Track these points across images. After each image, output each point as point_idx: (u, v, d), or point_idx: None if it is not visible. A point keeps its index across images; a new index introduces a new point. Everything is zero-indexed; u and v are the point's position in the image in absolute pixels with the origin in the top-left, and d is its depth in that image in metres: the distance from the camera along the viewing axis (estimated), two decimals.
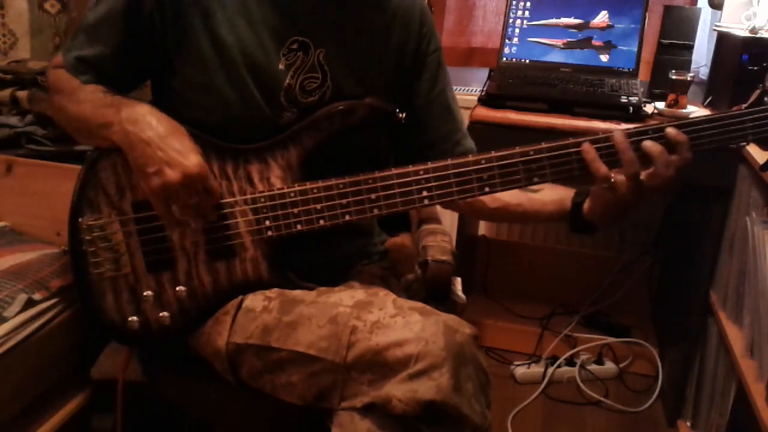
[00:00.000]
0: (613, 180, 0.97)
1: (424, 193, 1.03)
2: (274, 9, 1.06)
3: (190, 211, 1.01)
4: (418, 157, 1.08)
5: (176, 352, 1.12)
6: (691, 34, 1.92)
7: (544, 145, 1.00)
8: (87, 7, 1.09)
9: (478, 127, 1.76)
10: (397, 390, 0.91)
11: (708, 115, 0.97)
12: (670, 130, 0.96)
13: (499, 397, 2.00)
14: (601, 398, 2.09)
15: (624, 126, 1.00)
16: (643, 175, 0.98)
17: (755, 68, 1.68)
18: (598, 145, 0.98)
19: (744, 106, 0.97)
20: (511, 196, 1.14)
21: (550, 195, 1.12)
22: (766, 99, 0.96)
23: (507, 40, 2.00)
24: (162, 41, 1.05)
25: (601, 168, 0.97)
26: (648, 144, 0.96)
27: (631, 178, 0.97)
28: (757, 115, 0.96)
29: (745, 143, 1.59)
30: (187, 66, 1.06)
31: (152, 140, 0.98)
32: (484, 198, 1.16)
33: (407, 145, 1.20)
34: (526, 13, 1.99)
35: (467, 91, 2.37)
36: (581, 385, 2.13)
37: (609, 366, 2.20)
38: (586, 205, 1.07)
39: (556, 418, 2.01)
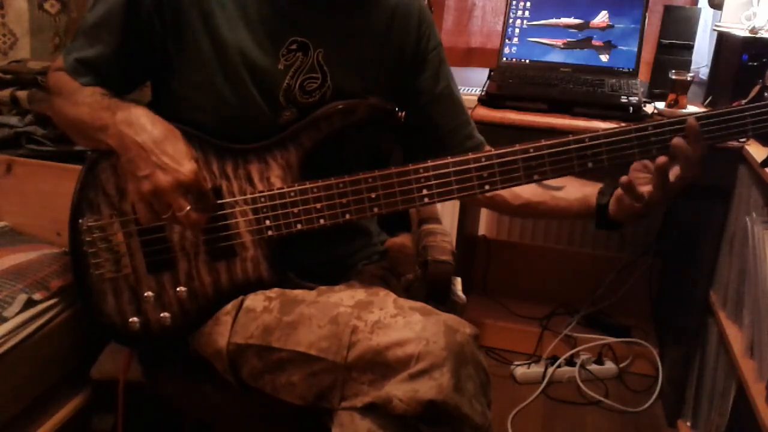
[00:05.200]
0: (646, 199, 0.98)
1: (424, 192, 1.02)
2: (273, 9, 1.06)
3: (176, 221, 0.98)
4: (431, 154, 1.07)
5: (177, 352, 1.12)
6: (691, 34, 1.92)
7: (544, 142, 1.00)
8: (87, 8, 1.09)
9: (478, 127, 1.76)
10: (398, 390, 0.91)
11: (708, 111, 0.97)
12: (690, 120, 0.95)
13: (499, 397, 2.00)
14: (601, 398, 2.09)
15: (613, 125, 0.99)
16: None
17: (755, 68, 1.68)
18: (603, 141, 0.98)
19: (744, 101, 0.97)
20: (533, 194, 1.14)
21: (575, 194, 1.11)
22: (766, 94, 0.96)
23: (507, 40, 2.00)
24: (161, 41, 1.05)
25: (639, 190, 0.97)
26: (678, 143, 0.96)
27: (661, 196, 0.97)
28: (757, 111, 0.96)
29: (745, 139, 1.59)
30: (186, 66, 1.06)
31: (146, 144, 0.96)
32: (505, 195, 1.15)
33: (418, 144, 1.20)
34: (526, 13, 1.99)
35: (467, 91, 2.36)
36: (581, 385, 2.13)
37: (609, 366, 2.20)
38: (612, 205, 1.06)
39: (556, 418, 2.01)
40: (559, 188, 1.12)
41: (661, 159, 0.95)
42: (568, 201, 1.12)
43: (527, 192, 1.13)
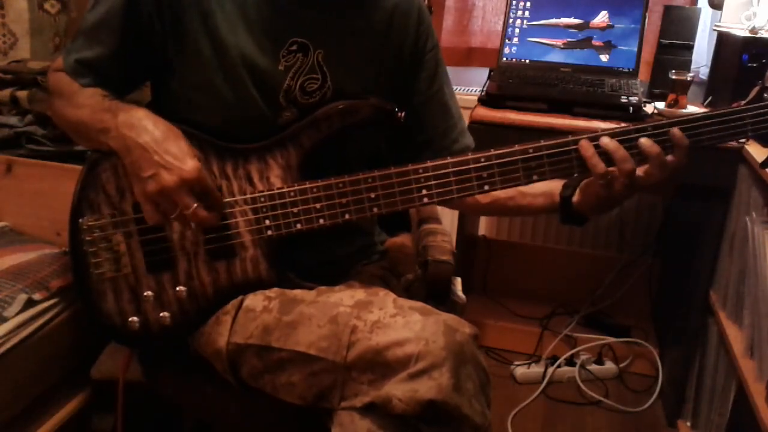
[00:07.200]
0: (609, 177, 0.97)
1: (424, 192, 1.03)
2: (273, 10, 1.06)
3: (184, 219, 0.99)
4: (417, 155, 1.07)
5: (177, 352, 1.12)
6: (691, 34, 1.92)
7: (543, 143, 1.00)
8: (87, 8, 1.09)
9: (478, 127, 1.77)
10: (398, 390, 0.91)
11: (707, 112, 0.97)
12: (675, 132, 0.96)
13: (499, 397, 2.00)
14: (601, 398, 2.09)
15: (613, 125, 1.00)
16: (637, 172, 0.98)
17: (755, 68, 1.68)
18: (595, 143, 0.98)
19: (743, 102, 0.97)
20: (502, 191, 1.14)
21: (540, 188, 1.12)
22: (765, 95, 0.96)
23: (507, 40, 2.00)
24: (161, 42, 1.05)
25: (599, 165, 0.97)
26: (646, 144, 0.96)
27: (625, 176, 0.97)
28: (756, 111, 0.96)
29: (744, 140, 1.59)
30: (185, 66, 1.06)
31: (148, 144, 0.97)
32: None
33: (406, 144, 1.20)
34: (526, 13, 1.99)
35: (467, 91, 2.37)
36: (581, 385, 2.13)
37: (609, 366, 2.21)
38: (576, 197, 1.07)
39: (556, 418, 2.01)
40: None
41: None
42: (534, 195, 1.13)
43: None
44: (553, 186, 1.10)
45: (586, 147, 0.98)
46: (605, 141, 0.97)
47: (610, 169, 0.97)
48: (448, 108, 1.22)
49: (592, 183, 1.02)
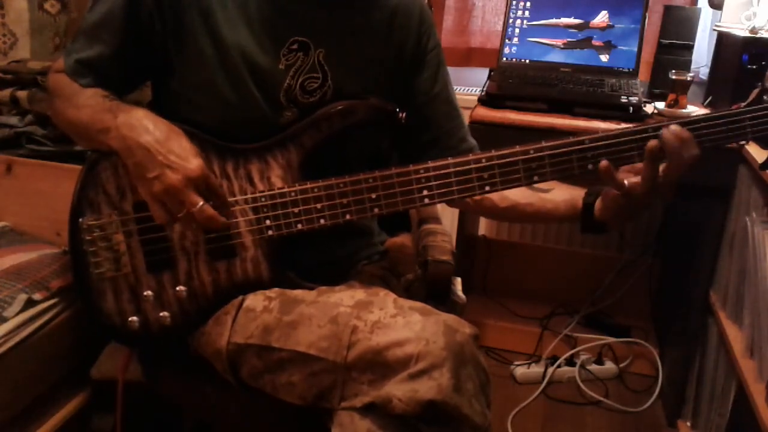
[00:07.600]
0: (627, 188, 0.96)
1: (425, 192, 1.03)
2: (274, 9, 1.06)
3: (192, 218, 0.98)
4: (424, 154, 1.07)
5: (177, 352, 1.12)
6: (691, 34, 1.92)
7: (544, 143, 1.00)
8: (87, 8, 1.09)
9: (478, 127, 1.77)
10: (398, 390, 0.91)
11: (707, 114, 0.97)
12: (676, 127, 0.94)
13: (499, 397, 2.01)
14: (601, 398, 2.09)
15: (613, 125, 0.99)
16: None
17: (755, 68, 1.68)
18: (603, 143, 0.97)
19: (743, 104, 0.97)
20: (522, 196, 1.13)
21: (562, 195, 1.11)
22: (765, 97, 0.95)
23: (507, 40, 2.00)
24: (161, 41, 1.05)
25: (622, 185, 0.96)
26: (677, 131, 0.94)
27: (647, 189, 0.95)
28: (756, 114, 0.95)
29: (744, 142, 1.59)
30: (186, 66, 1.06)
31: (151, 145, 0.97)
32: (493, 197, 1.15)
33: (412, 144, 1.20)
34: (526, 13, 1.99)
35: (467, 91, 2.36)
36: (581, 385, 2.13)
37: (609, 366, 2.21)
38: (597, 205, 1.05)
39: (556, 418, 2.01)
40: (546, 190, 1.12)
41: (652, 143, 0.94)
42: (555, 202, 1.12)
43: (515, 194, 1.12)
44: (575, 194, 1.09)
45: (607, 167, 0.96)
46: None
47: (626, 177, 0.96)
48: (454, 107, 1.21)
49: (611, 192, 1.01)
